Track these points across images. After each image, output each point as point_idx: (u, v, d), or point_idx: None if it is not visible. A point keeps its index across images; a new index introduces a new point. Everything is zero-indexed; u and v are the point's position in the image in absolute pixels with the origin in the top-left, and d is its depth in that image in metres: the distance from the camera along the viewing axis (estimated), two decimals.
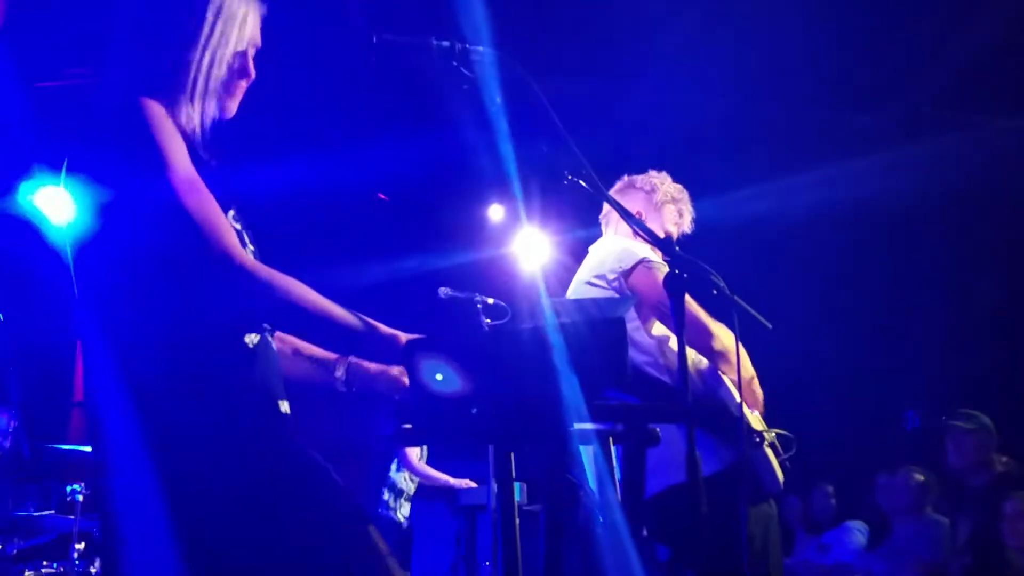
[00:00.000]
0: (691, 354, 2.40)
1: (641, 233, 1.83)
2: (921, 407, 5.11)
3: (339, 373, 1.60)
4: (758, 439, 2.23)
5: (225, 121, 1.50)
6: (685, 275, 1.66)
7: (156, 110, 1.38)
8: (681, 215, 2.74)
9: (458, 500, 4.48)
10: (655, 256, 2.54)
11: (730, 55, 4.16)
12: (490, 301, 3.40)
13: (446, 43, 1.67)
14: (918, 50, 4.09)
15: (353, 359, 1.61)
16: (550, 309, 1.74)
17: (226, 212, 1.40)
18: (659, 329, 2.48)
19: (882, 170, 4.56)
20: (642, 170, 4.48)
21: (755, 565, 2.30)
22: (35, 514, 3.51)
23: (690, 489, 1.68)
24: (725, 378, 2.41)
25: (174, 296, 1.33)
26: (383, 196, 5.78)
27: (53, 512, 3.51)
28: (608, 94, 4.46)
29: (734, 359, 2.28)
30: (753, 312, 1.78)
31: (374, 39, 1.62)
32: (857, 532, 4.63)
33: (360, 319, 1.38)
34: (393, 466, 4.74)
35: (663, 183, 2.74)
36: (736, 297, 1.75)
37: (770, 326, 1.80)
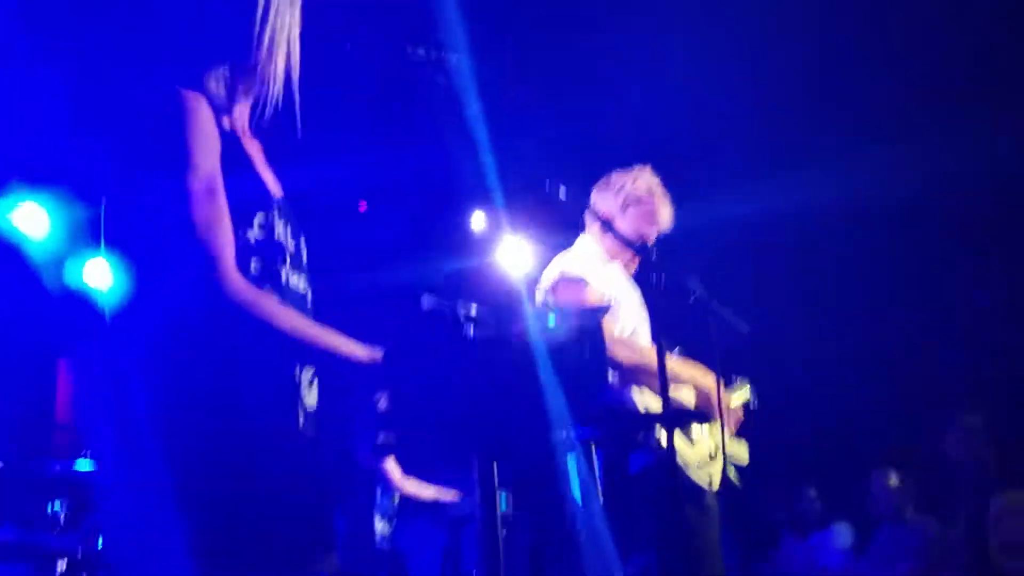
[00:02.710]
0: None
1: (616, 239, 1.84)
2: (908, 407, 5.12)
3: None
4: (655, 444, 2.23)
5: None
6: (662, 277, 1.67)
7: (192, 102, 1.35)
8: (654, 214, 2.69)
9: (444, 513, 4.45)
10: (582, 269, 2.56)
11: (722, 56, 4.19)
12: (474, 309, 3.39)
13: (421, 50, 1.66)
14: (907, 49, 4.13)
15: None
16: (532, 317, 1.74)
17: (252, 217, 1.38)
18: None
19: (870, 169, 4.59)
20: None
21: (693, 557, 2.27)
22: (14, 533, 3.46)
23: (669, 494, 1.68)
24: (639, 388, 2.39)
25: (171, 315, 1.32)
26: (363, 205, 5.76)
27: (33, 530, 3.46)
28: (602, 93, 4.46)
29: (650, 367, 2.25)
30: (729, 317, 1.79)
31: (348, 46, 1.62)
32: (843, 535, 4.64)
33: (341, 339, 1.37)
34: (378, 492, 4.69)
35: (633, 181, 2.72)
36: (714, 302, 1.76)
37: (746, 329, 1.81)
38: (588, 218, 2.73)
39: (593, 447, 1.82)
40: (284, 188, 1.55)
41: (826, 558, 4.54)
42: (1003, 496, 3.44)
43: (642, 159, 4.77)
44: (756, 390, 2.70)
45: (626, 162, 4.46)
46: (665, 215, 2.72)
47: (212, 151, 1.35)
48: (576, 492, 2.02)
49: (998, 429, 3.98)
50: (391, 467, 4.77)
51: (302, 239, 1.49)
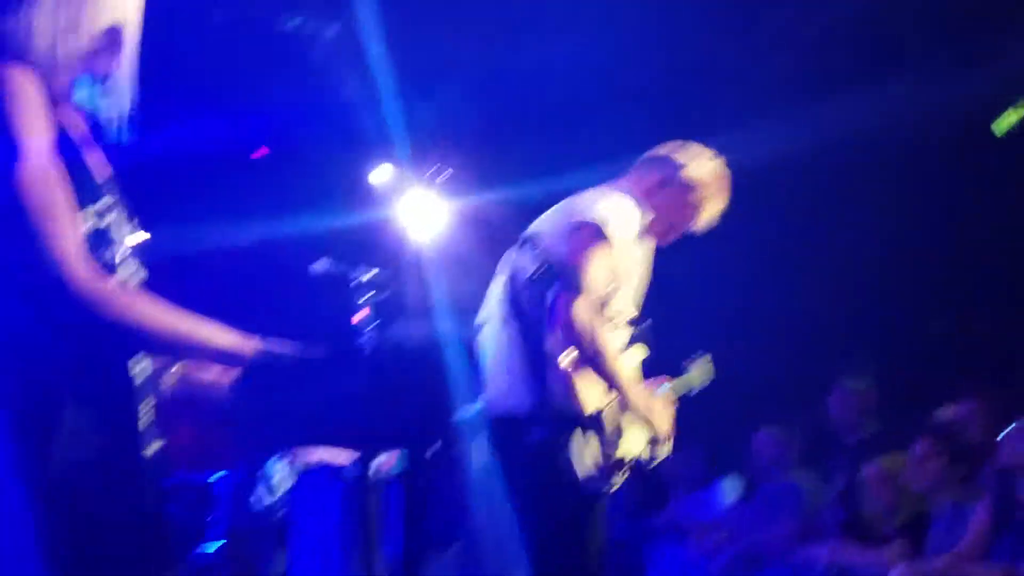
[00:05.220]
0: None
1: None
2: (805, 360, 5.25)
3: (166, 381, 1.48)
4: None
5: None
6: (545, 277, 1.63)
7: (19, 79, 1.23)
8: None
9: (341, 470, 4.40)
10: (628, 226, 2.26)
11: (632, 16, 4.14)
12: (368, 276, 3.28)
13: (298, 20, 1.56)
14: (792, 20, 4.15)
15: (185, 365, 1.49)
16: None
17: (95, 201, 1.29)
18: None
19: (768, 131, 4.61)
20: (562, 123, 4.24)
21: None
22: None
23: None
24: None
25: None
26: (263, 150, 5.47)
27: None
28: (519, 48, 4.33)
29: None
30: None
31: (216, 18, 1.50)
32: (730, 490, 4.80)
33: (228, 337, 1.30)
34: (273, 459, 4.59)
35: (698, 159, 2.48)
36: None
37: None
38: (641, 178, 2.43)
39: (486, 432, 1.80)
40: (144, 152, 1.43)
41: (711, 513, 4.69)
42: (877, 461, 3.61)
43: (549, 116, 4.68)
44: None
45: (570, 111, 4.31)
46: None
47: (45, 132, 1.23)
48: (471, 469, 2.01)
49: (882, 393, 4.16)
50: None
51: (134, 224, 1.39)
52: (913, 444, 3.38)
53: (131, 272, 1.36)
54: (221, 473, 5.45)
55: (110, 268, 1.30)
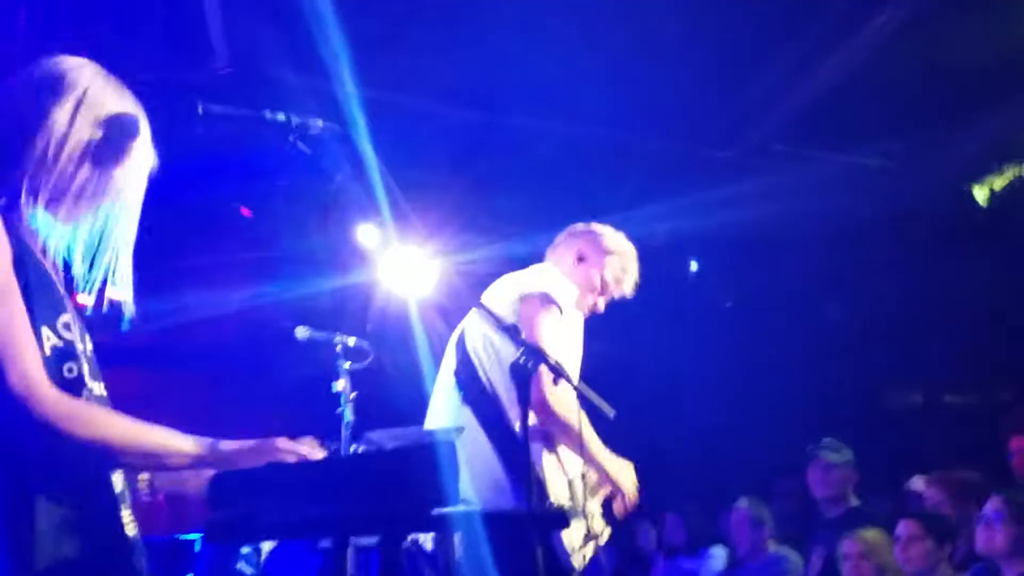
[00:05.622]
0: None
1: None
2: (775, 429, 5.29)
3: (141, 481, 1.50)
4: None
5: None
6: (530, 363, 1.64)
7: None
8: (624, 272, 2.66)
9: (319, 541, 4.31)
10: (566, 297, 2.42)
11: (598, 90, 4.21)
12: (351, 342, 3.28)
13: (281, 116, 1.56)
14: (768, 92, 4.25)
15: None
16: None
17: (56, 318, 1.29)
18: None
19: (737, 199, 4.72)
20: (507, 195, 4.35)
21: None
22: None
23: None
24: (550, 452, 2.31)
25: None
26: (246, 211, 5.48)
27: None
28: (477, 122, 4.39)
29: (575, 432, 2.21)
30: (596, 400, 1.77)
31: (200, 109, 1.51)
32: (717, 558, 4.71)
33: (193, 443, 1.31)
34: None
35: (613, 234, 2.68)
36: (581, 384, 1.75)
37: (612, 413, 1.79)
38: (560, 253, 2.67)
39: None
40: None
41: None
42: (854, 536, 3.55)
43: (526, 187, 4.71)
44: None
45: (512, 187, 4.37)
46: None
47: (2, 253, 1.24)
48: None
49: (861, 466, 4.12)
50: None
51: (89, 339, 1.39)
52: (897, 526, 3.34)
53: (94, 385, 1.35)
54: (200, 536, 5.35)
55: (75, 383, 1.29)
